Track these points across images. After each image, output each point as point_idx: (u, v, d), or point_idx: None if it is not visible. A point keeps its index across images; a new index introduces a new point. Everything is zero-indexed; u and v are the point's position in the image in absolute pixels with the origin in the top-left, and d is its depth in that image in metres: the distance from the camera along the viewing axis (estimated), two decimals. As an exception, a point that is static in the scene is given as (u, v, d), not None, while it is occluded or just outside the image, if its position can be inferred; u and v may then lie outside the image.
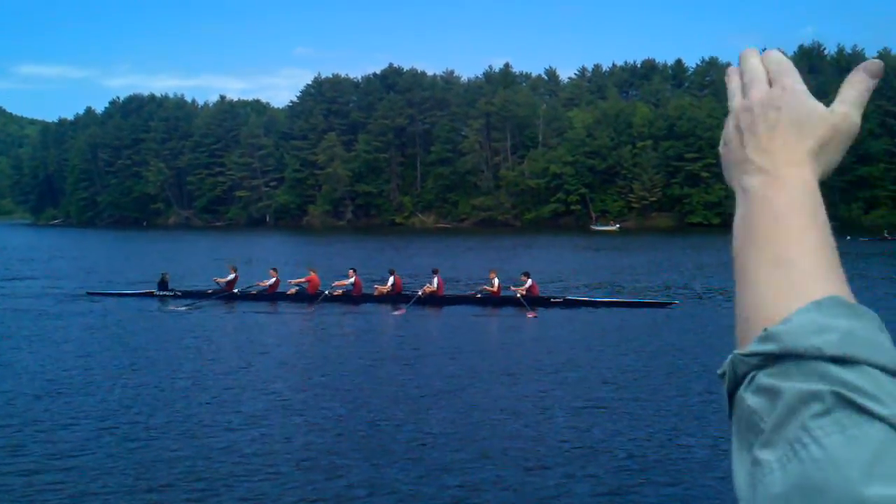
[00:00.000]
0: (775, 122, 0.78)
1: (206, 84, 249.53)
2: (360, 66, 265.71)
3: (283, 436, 10.58)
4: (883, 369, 0.59)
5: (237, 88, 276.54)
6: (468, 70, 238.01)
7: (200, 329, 20.07)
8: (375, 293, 24.42)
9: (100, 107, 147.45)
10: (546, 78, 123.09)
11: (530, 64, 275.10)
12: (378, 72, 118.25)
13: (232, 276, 25.70)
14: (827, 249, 0.72)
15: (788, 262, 0.71)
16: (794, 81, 0.80)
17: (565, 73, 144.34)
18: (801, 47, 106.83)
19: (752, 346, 0.65)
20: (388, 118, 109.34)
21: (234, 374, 14.42)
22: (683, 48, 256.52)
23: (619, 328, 19.54)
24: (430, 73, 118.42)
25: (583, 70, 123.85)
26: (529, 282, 23.32)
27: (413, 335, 19.15)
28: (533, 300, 22.81)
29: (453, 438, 10.39)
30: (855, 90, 0.78)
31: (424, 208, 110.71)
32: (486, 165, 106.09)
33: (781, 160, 0.76)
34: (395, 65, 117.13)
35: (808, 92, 0.80)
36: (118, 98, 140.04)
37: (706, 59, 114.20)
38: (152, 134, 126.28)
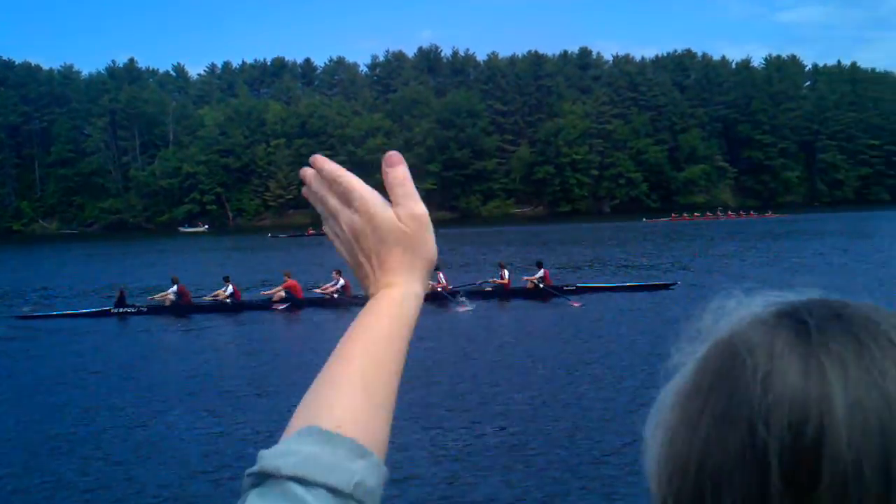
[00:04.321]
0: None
1: None
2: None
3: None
4: (333, 490, 0.66)
5: None
6: (89, 65, 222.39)
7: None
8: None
9: None
10: (175, 74, 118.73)
11: (157, 60, 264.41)
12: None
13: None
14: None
15: (331, 384, 0.76)
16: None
17: (194, 70, 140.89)
18: (420, 49, 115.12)
19: (252, 468, 0.69)
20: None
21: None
22: (312, 48, 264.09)
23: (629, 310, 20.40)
24: (45, 67, 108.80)
25: (212, 67, 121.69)
26: (542, 271, 23.94)
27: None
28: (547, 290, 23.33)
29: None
30: (401, 187, 0.84)
31: (46, 214, 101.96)
32: (114, 166, 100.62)
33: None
34: (5, 58, 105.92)
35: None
36: None
37: (334, 58, 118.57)
38: None
